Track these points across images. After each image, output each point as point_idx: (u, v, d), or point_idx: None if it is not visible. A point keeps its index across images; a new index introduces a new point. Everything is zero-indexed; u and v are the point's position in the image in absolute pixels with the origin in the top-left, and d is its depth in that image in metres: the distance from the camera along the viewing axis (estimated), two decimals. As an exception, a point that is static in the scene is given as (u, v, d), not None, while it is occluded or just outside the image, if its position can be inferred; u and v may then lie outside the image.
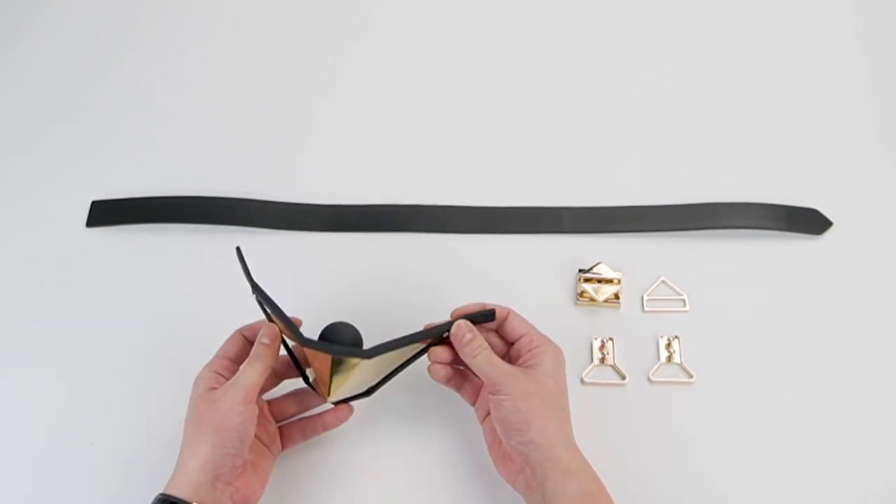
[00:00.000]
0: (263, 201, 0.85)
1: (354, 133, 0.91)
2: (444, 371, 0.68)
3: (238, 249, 0.70)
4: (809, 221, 0.80)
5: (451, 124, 0.91)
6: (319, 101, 0.94)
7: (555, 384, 0.64)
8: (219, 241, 0.83)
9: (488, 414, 0.66)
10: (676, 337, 0.75)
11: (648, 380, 0.73)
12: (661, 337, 0.75)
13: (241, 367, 0.65)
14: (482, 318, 0.67)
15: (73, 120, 0.94)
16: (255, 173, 0.88)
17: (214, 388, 0.64)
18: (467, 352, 0.65)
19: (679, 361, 0.74)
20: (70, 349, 0.78)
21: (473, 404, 0.69)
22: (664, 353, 0.74)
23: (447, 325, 0.66)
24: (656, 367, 0.73)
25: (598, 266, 0.77)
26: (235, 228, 0.83)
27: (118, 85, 0.97)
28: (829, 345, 0.74)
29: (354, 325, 0.68)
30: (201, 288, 0.80)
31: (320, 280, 0.80)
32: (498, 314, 0.68)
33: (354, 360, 0.63)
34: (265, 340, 0.66)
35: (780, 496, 0.67)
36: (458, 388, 0.69)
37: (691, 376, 0.73)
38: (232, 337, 0.69)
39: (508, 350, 0.69)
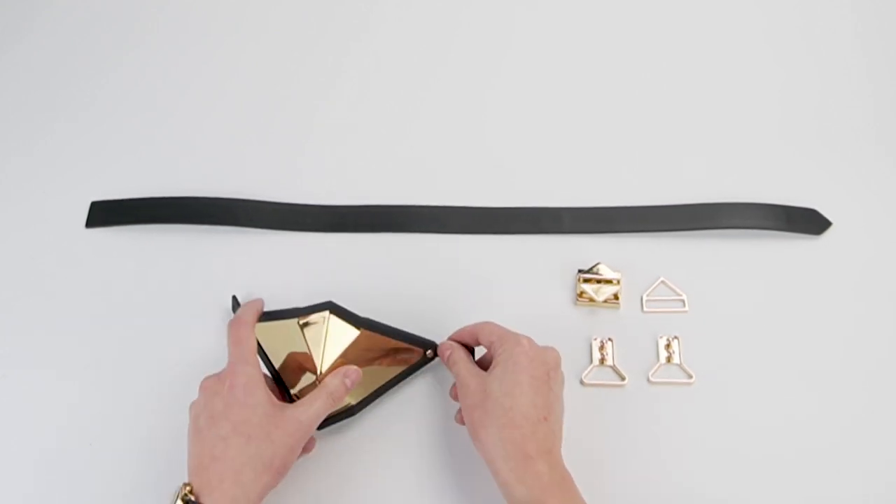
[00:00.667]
0: (262, 202, 0.85)
1: (353, 133, 0.91)
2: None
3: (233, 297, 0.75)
4: (809, 221, 0.80)
5: (451, 124, 0.91)
6: (319, 102, 0.94)
7: (500, 386, 0.62)
8: (218, 241, 0.83)
9: None
10: (676, 337, 0.75)
11: (648, 380, 0.73)
12: (661, 337, 0.75)
13: (315, 401, 0.64)
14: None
15: (73, 120, 0.94)
16: (255, 174, 0.88)
17: (277, 402, 0.63)
18: (449, 363, 0.69)
19: (678, 362, 0.74)
20: (69, 350, 0.78)
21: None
22: (664, 354, 0.74)
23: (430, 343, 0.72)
24: (656, 367, 0.74)
25: (598, 266, 0.77)
26: (235, 229, 0.84)
27: (118, 85, 0.96)
28: (828, 345, 0.74)
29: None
30: (202, 288, 0.80)
31: (319, 280, 0.80)
32: (473, 332, 0.69)
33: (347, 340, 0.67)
34: (348, 382, 0.66)
35: (780, 497, 0.67)
36: None
37: (691, 377, 0.73)
38: (246, 329, 0.67)
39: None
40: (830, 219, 0.80)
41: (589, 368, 0.74)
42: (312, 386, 0.67)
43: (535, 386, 0.62)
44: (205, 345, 0.76)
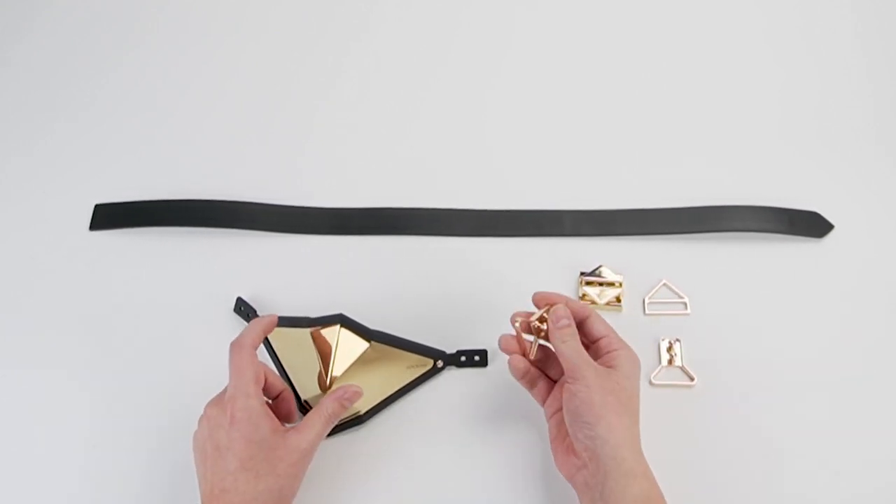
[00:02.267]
0: (265, 204, 0.85)
1: (355, 136, 0.91)
2: (524, 364, 0.68)
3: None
4: (811, 224, 0.81)
5: (453, 127, 0.91)
6: (320, 104, 0.94)
7: (630, 387, 0.64)
8: (221, 243, 0.83)
9: (557, 410, 0.67)
10: (678, 340, 0.75)
11: (650, 382, 0.73)
12: (663, 340, 0.75)
13: (314, 425, 0.65)
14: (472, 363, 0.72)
15: (76, 122, 0.94)
16: (257, 176, 0.88)
17: (279, 430, 0.63)
18: (560, 335, 0.65)
19: (680, 364, 0.74)
20: (71, 352, 0.78)
21: (543, 403, 0.69)
22: (665, 356, 0.74)
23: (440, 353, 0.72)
24: (658, 369, 0.74)
25: (600, 269, 0.78)
26: (238, 231, 0.84)
27: (120, 88, 0.97)
28: (830, 347, 0.74)
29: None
30: (204, 291, 0.80)
31: (321, 283, 0.80)
32: (579, 313, 0.67)
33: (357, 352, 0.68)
34: (346, 403, 0.67)
35: (780, 498, 0.67)
36: (532, 385, 0.69)
37: (692, 379, 0.73)
38: (247, 356, 0.65)
39: (587, 349, 0.68)
40: (833, 222, 0.81)
41: (658, 369, 0.74)
42: (320, 396, 0.68)
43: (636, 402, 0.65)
44: (207, 347, 0.76)
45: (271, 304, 0.79)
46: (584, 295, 0.77)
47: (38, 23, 1.03)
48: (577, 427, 0.62)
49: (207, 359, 0.74)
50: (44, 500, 0.71)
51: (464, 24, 0.99)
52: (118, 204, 0.87)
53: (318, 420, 0.65)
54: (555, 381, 0.69)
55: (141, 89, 0.97)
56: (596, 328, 0.67)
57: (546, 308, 0.66)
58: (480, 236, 0.83)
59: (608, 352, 0.66)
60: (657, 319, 0.77)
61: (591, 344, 0.68)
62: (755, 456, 0.69)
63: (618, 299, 0.77)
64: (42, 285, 0.82)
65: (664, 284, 0.78)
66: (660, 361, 0.74)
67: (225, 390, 0.65)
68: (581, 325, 0.68)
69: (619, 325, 0.76)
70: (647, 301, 0.78)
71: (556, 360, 0.68)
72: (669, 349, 0.75)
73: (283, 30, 1.00)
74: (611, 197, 0.84)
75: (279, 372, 0.71)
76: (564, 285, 0.79)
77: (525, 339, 0.67)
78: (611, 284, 0.77)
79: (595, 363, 0.64)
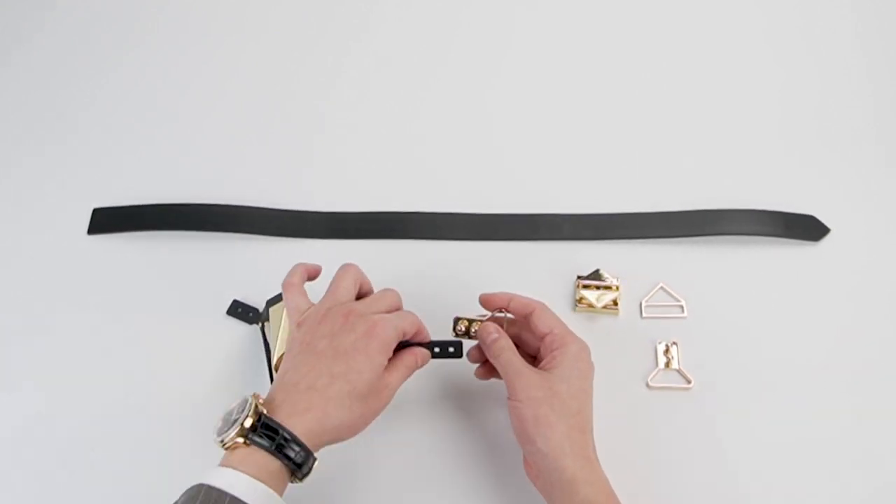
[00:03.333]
0: (264, 208, 0.86)
1: (354, 140, 0.91)
2: (481, 370, 0.69)
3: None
4: (807, 228, 0.81)
5: (451, 131, 0.91)
6: (318, 108, 0.94)
7: (568, 389, 0.63)
8: (220, 247, 0.84)
9: None
10: (675, 343, 0.75)
11: (647, 385, 0.74)
12: (660, 343, 0.76)
13: (401, 371, 0.64)
14: (445, 354, 0.69)
15: (74, 127, 0.94)
16: (256, 180, 0.88)
17: (384, 370, 0.63)
18: (492, 352, 0.66)
19: (677, 367, 0.74)
20: (70, 355, 0.78)
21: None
22: (662, 359, 0.75)
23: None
24: (654, 372, 0.74)
25: (597, 272, 0.78)
26: (236, 235, 0.84)
27: (117, 92, 0.97)
28: (826, 351, 0.74)
29: None
30: (203, 295, 0.81)
31: (320, 287, 0.80)
32: (524, 310, 0.68)
33: None
34: (420, 362, 0.66)
35: (777, 501, 0.68)
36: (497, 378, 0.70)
37: (689, 382, 0.73)
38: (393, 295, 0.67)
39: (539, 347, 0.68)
40: (829, 225, 0.81)
41: (655, 372, 0.74)
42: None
43: (590, 397, 0.65)
44: (205, 350, 0.77)
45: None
46: (581, 298, 0.77)
47: (37, 25, 1.03)
48: (520, 442, 0.63)
49: (206, 362, 0.74)
50: (44, 500, 0.71)
51: (462, 28, 0.99)
52: (116, 208, 0.87)
53: (399, 368, 0.64)
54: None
55: (139, 93, 0.97)
56: (541, 324, 0.67)
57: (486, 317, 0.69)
58: (478, 240, 0.83)
59: (551, 350, 0.65)
60: (654, 322, 0.77)
61: (538, 341, 0.68)
62: (752, 458, 0.69)
63: (615, 303, 0.77)
64: (40, 289, 0.82)
65: (661, 288, 0.79)
66: (657, 364, 0.74)
67: (364, 305, 0.64)
68: (528, 320, 0.68)
69: (617, 328, 0.77)
70: (644, 304, 0.78)
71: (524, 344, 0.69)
72: (666, 352, 0.75)
73: (282, 33, 1.00)
74: (608, 201, 0.84)
75: (265, 349, 0.71)
76: (562, 289, 0.79)
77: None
78: (608, 288, 0.77)
79: (530, 371, 0.64)
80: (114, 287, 0.82)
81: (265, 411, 0.57)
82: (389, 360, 0.63)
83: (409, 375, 0.65)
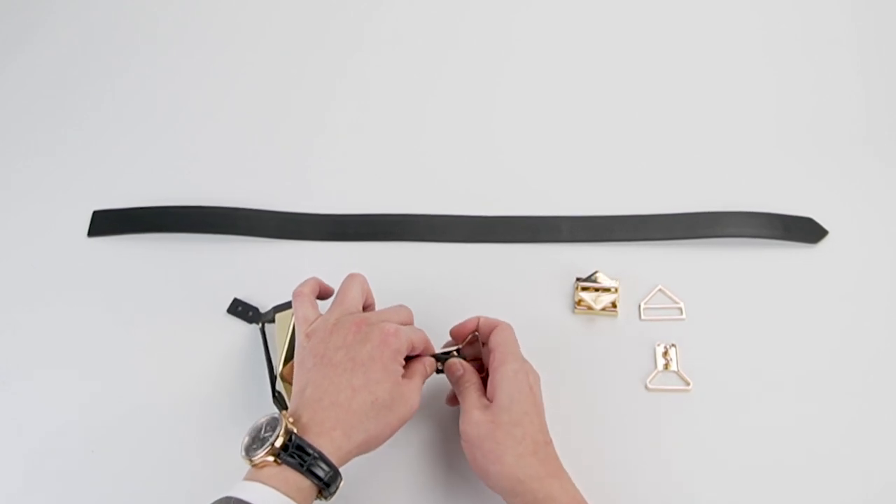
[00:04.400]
0: (264, 211, 0.86)
1: (354, 142, 0.91)
2: (452, 399, 0.70)
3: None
4: (805, 230, 0.81)
5: (451, 134, 0.91)
6: (319, 111, 0.94)
7: (509, 418, 0.63)
8: (220, 250, 0.84)
9: None
10: (673, 345, 0.75)
11: (646, 387, 0.74)
12: (658, 345, 0.76)
13: (418, 378, 0.65)
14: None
15: (75, 129, 0.95)
16: (256, 182, 0.89)
17: (403, 377, 0.63)
18: (457, 387, 0.68)
19: (676, 369, 0.74)
20: (70, 358, 0.79)
21: None
22: (661, 361, 0.75)
23: None
24: (653, 374, 0.74)
25: (596, 275, 0.78)
26: (236, 238, 0.84)
27: (120, 94, 0.97)
28: (825, 353, 0.74)
29: None
30: (203, 297, 0.81)
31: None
32: (488, 328, 0.69)
33: None
34: (428, 370, 0.67)
35: (777, 502, 0.68)
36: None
37: (688, 384, 0.73)
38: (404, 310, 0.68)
39: None
40: (827, 228, 0.81)
41: (654, 374, 0.74)
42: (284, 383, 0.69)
43: (537, 411, 0.65)
44: (205, 353, 0.77)
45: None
46: (580, 300, 0.77)
47: (39, 28, 1.04)
48: (479, 477, 0.63)
49: (205, 363, 0.74)
50: (45, 500, 0.71)
51: (462, 32, 1.00)
52: (116, 210, 0.87)
53: (416, 376, 0.65)
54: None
55: (139, 96, 0.97)
56: (490, 341, 0.67)
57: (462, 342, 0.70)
58: (477, 242, 0.83)
59: (492, 371, 0.65)
60: (653, 325, 0.77)
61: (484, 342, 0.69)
62: (750, 460, 0.69)
63: (613, 305, 0.77)
64: (40, 291, 0.83)
65: (660, 290, 0.79)
66: (655, 366, 0.74)
67: (376, 315, 0.65)
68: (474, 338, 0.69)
69: (615, 330, 0.77)
70: (642, 306, 0.78)
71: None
72: (665, 354, 0.75)
73: (283, 37, 1.01)
74: (607, 203, 0.84)
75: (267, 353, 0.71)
76: (560, 291, 0.79)
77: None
78: (607, 290, 0.77)
79: (476, 409, 0.64)
80: (113, 289, 0.82)
81: (296, 431, 0.57)
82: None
83: (423, 382, 0.66)
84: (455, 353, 0.69)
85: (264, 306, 0.79)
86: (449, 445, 0.71)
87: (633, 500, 0.67)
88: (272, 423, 0.57)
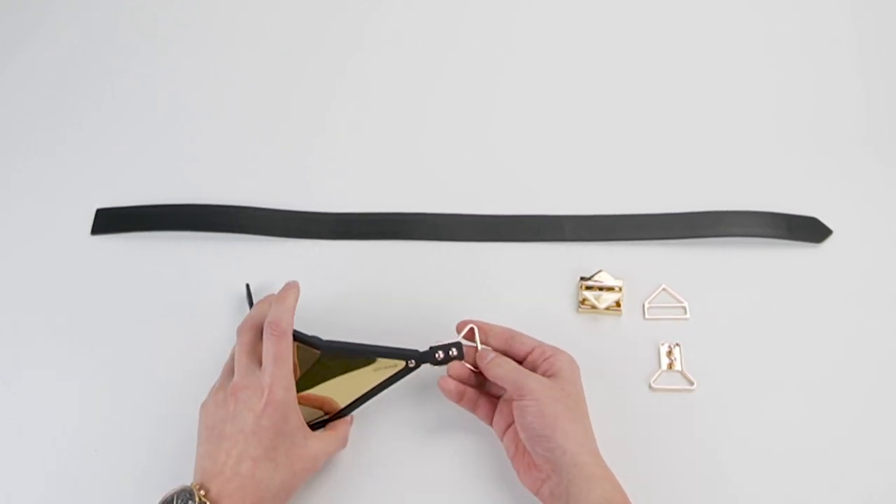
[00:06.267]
0: (268, 209, 0.86)
1: (357, 142, 0.91)
2: (455, 387, 0.68)
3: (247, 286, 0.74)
4: (809, 230, 0.81)
5: (454, 133, 0.91)
6: (323, 109, 0.94)
7: (575, 392, 0.65)
8: (224, 248, 0.84)
9: (509, 426, 0.67)
10: (677, 344, 0.75)
11: (650, 387, 0.74)
12: (662, 344, 0.76)
13: (331, 442, 0.67)
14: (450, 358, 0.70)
15: (78, 127, 0.94)
16: (260, 181, 0.88)
17: (305, 432, 0.64)
18: (491, 366, 0.67)
19: (680, 369, 0.74)
20: (74, 356, 0.78)
21: (490, 422, 0.69)
22: (665, 361, 0.75)
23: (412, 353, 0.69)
24: (657, 374, 0.74)
25: (600, 274, 0.78)
26: (240, 236, 0.84)
27: (122, 93, 0.97)
28: (829, 352, 0.74)
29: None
30: (206, 295, 0.81)
31: (324, 288, 0.80)
32: (503, 335, 0.69)
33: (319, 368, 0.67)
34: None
35: (779, 502, 0.68)
36: (473, 407, 0.70)
37: (692, 383, 0.73)
38: (287, 343, 0.65)
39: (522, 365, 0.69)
40: (831, 227, 0.81)
41: (658, 373, 0.75)
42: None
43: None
44: (210, 352, 0.77)
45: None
46: (584, 299, 0.77)
47: (40, 30, 1.04)
48: (534, 441, 0.63)
49: (210, 363, 0.74)
50: (47, 500, 0.71)
51: (466, 33, 1.00)
52: (120, 208, 0.87)
53: (336, 440, 0.67)
54: (497, 398, 0.70)
55: (143, 94, 0.97)
56: (524, 343, 0.68)
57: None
58: (481, 241, 0.83)
59: (545, 359, 0.67)
60: (657, 324, 0.77)
61: (523, 360, 0.69)
62: (754, 460, 0.69)
63: (617, 304, 0.77)
64: (44, 289, 0.82)
65: (663, 289, 0.79)
66: (659, 366, 0.75)
67: (246, 370, 0.64)
68: (509, 346, 0.69)
69: (619, 329, 0.77)
70: (646, 306, 0.78)
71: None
72: (669, 353, 0.75)
73: (287, 35, 1.01)
74: (611, 203, 0.84)
75: None
76: (564, 290, 0.79)
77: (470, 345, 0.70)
78: (610, 289, 0.77)
79: (536, 374, 0.65)
80: (117, 287, 0.82)
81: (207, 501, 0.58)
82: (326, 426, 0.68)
83: (342, 445, 0.68)
84: (454, 350, 0.69)
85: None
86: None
87: (637, 499, 0.67)
88: (183, 496, 0.58)
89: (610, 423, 0.71)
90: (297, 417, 0.63)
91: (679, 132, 0.89)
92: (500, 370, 0.66)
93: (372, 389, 0.69)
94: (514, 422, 0.66)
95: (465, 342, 0.70)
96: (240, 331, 0.69)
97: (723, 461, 0.70)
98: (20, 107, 0.97)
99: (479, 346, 0.69)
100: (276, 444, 0.61)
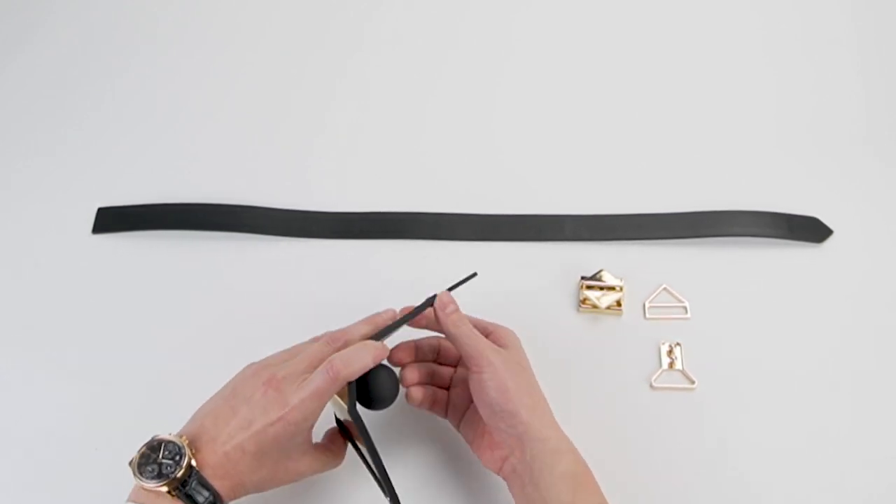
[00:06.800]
0: (268, 208, 0.86)
1: (359, 140, 0.91)
2: (421, 392, 0.67)
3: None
4: (810, 230, 0.81)
5: (455, 132, 0.91)
6: (324, 109, 0.94)
7: (527, 364, 0.65)
8: (224, 247, 0.84)
9: (464, 413, 0.67)
10: (678, 344, 0.75)
11: (650, 386, 0.74)
12: (663, 343, 0.76)
13: (327, 457, 0.64)
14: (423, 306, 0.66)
15: (79, 127, 0.94)
16: (261, 180, 0.88)
17: (302, 446, 0.62)
18: (451, 321, 0.64)
19: (680, 368, 0.74)
20: (75, 355, 0.78)
21: (446, 415, 0.69)
22: (666, 360, 0.75)
23: (422, 304, 0.66)
24: (658, 373, 0.74)
25: (601, 273, 0.78)
26: (241, 235, 0.84)
27: (123, 92, 0.97)
28: (830, 352, 0.74)
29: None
30: (207, 295, 0.81)
31: (324, 287, 0.80)
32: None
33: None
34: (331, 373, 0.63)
35: (780, 502, 0.68)
36: (432, 406, 0.69)
37: (693, 382, 0.73)
38: (332, 388, 0.60)
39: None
40: (832, 227, 0.81)
41: (658, 372, 0.74)
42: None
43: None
44: (210, 350, 0.77)
45: (273, 308, 0.79)
46: (584, 299, 0.77)
47: (40, 30, 1.04)
48: (496, 418, 0.62)
49: (211, 362, 0.74)
50: (48, 499, 0.71)
51: (466, 32, 1.00)
52: (121, 207, 0.87)
53: (332, 459, 0.65)
54: (447, 389, 0.69)
55: (144, 93, 0.97)
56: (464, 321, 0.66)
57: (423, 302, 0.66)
58: (482, 241, 0.83)
59: (488, 334, 0.66)
60: (657, 323, 0.77)
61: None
62: (755, 459, 0.69)
63: (618, 303, 0.77)
64: (45, 288, 0.82)
65: (664, 289, 0.79)
66: (660, 365, 0.75)
67: (293, 375, 0.61)
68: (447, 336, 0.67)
69: (620, 328, 0.77)
70: (647, 305, 0.78)
71: (439, 362, 0.69)
72: (670, 353, 0.75)
73: (287, 34, 1.01)
74: (611, 202, 0.84)
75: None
76: (565, 289, 0.79)
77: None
78: (611, 289, 0.77)
79: (492, 344, 0.64)
80: (118, 286, 0.82)
81: (196, 466, 0.57)
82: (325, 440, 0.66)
83: (321, 387, 0.61)
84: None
85: (268, 305, 0.79)
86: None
87: (637, 498, 0.67)
88: (172, 450, 0.57)
89: (611, 422, 0.72)
90: (304, 439, 0.62)
91: (679, 132, 0.89)
92: (458, 330, 0.64)
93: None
94: (468, 407, 0.66)
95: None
96: (325, 339, 0.65)
97: (723, 460, 0.70)
98: (20, 107, 0.97)
99: (443, 293, 0.66)
100: (269, 452, 0.60)
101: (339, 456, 0.66)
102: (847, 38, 0.95)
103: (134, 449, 0.72)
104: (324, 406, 0.61)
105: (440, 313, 0.65)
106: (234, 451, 0.58)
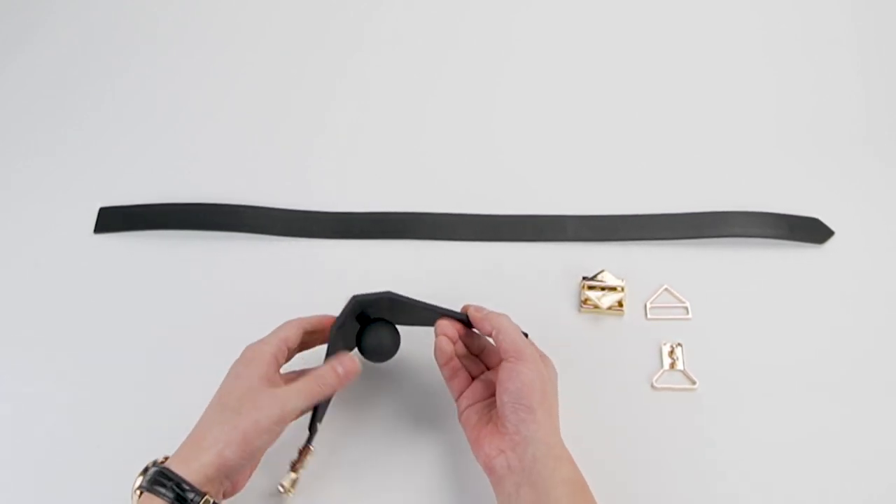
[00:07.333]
0: (269, 208, 0.86)
1: (360, 141, 0.91)
2: (450, 348, 0.67)
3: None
4: (811, 230, 0.81)
5: (456, 132, 0.91)
6: (324, 109, 0.94)
7: (554, 380, 0.67)
8: (225, 247, 0.84)
9: (474, 403, 0.67)
10: (679, 344, 0.75)
11: (652, 386, 0.74)
12: (664, 344, 0.76)
13: (302, 382, 0.63)
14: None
15: (81, 127, 0.94)
16: (261, 180, 0.88)
17: (271, 382, 0.63)
18: (494, 314, 0.67)
19: (682, 368, 0.74)
20: (76, 355, 0.78)
21: (459, 395, 0.68)
22: (667, 360, 0.75)
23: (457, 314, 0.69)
24: (659, 373, 0.74)
25: (602, 274, 0.78)
26: (241, 235, 0.84)
27: (124, 92, 0.97)
28: (831, 353, 0.74)
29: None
30: (208, 294, 0.81)
31: (325, 287, 0.80)
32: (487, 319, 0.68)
33: None
34: (340, 370, 0.65)
35: (783, 502, 0.68)
36: (452, 376, 0.68)
37: (694, 383, 0.73)
38: (290, 324, 0.67)
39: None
40: (833, 228, 0.81)
41: (660, 373, 0.74)
42: None
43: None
44: (210, 350, 0.76)
45: (273, 307, 0.79)
46: (586, 299, 0.77)
47: (40, 30, 1.04)
48: (513, 408, 0.62)
49: (212, 361, 0.74)
50: (50, 499, 0.71)
51: (468, 32, 1.00)
52: (122, 207, 0.87)
53: (307, 382, 0.64)
54: (473, 378, 0.69)
55: (145, 94, 0.97)
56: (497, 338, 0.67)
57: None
58: (483, 241, 0.83)
59: (502, 369, 0.65)
60: (659, 324, 0.77)
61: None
62: (756, 460, 0.69)
63: (620, 304, 0.77)
64: (46, 288, 0.82)
65: (665, 289, 0.79)
66: (661, 365, 0.74)
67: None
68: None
69: (621, 329, 0.77)
70: (648, 306, 0.78)
71: (479, 359, 0.70)
72: (671, 353, 0.75)
73: (287, 34, 1.01)
74: (613, 203, 0.84)
75: None
76: (566, 290, 0.79)
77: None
78: (612, 289, 0.77)
79: (536, 345, 0.66)
80: (119, 285, 0.82)
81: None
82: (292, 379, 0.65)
83: (318, 391, 0.63)
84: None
85: (269, 305, 0.79)
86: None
87: (638, 499, 0.67)
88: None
89: (612, 423, 0.72)
90: (263, 367, 0.63)
91: (680, 132, 0.89)
92: (502, 322, 0.66)
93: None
94: (482, 399, 0.66)
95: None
96: (293, 323, 0.68)
97: (724, 460, 0.69)
98: (20, 107, 0.97)
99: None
100: (229, 389, 0.62)
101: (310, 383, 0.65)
102: (847, 38, 0.95)
103: (134, 449, 0.73)
104: (291, 329, 0.66)
105: (478, 315, 0.68)
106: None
